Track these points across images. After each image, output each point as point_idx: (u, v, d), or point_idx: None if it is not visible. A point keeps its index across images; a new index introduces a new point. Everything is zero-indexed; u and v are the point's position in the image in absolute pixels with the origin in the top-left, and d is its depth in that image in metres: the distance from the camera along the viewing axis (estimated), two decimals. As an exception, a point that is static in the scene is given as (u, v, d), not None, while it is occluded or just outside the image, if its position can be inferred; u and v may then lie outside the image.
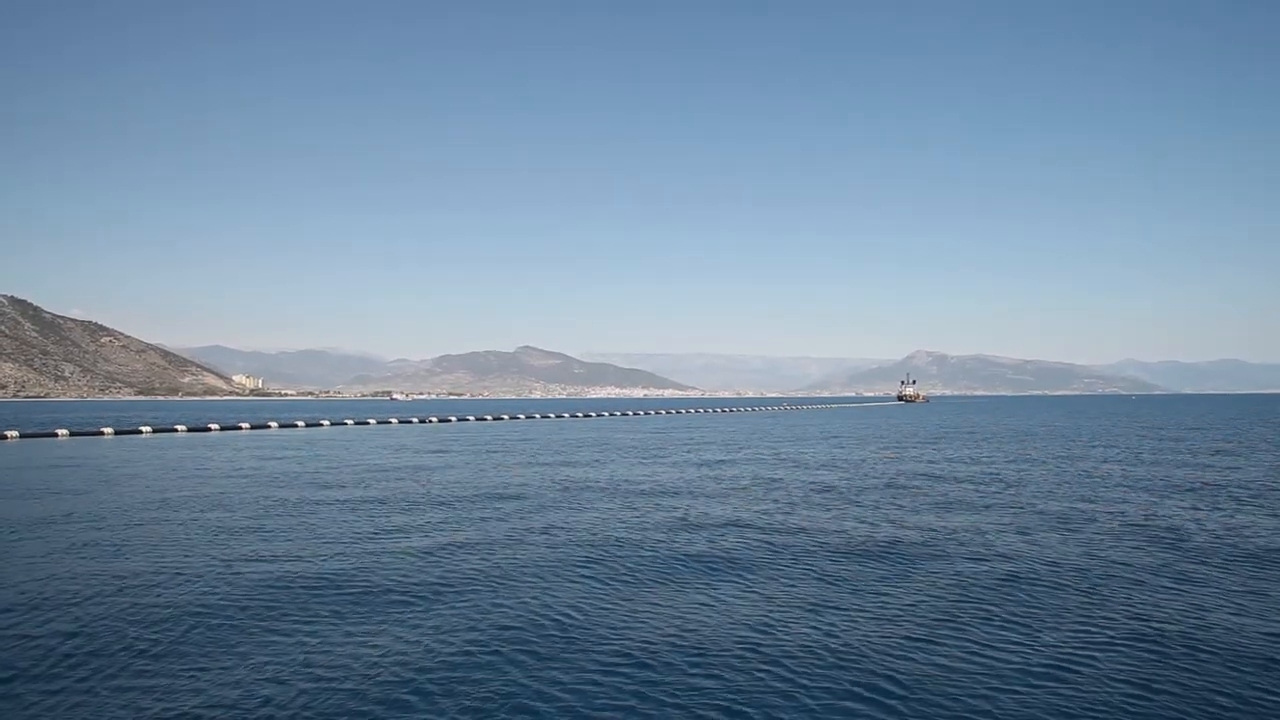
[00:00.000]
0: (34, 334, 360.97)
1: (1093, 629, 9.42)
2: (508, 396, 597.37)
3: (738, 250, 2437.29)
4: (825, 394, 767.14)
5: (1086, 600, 10.67)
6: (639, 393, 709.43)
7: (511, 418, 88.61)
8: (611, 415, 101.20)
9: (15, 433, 51.08)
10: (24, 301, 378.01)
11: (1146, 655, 8.54)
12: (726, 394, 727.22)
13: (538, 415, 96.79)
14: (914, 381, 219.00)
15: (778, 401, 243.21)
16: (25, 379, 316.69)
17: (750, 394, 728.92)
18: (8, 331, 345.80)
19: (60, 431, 53.80)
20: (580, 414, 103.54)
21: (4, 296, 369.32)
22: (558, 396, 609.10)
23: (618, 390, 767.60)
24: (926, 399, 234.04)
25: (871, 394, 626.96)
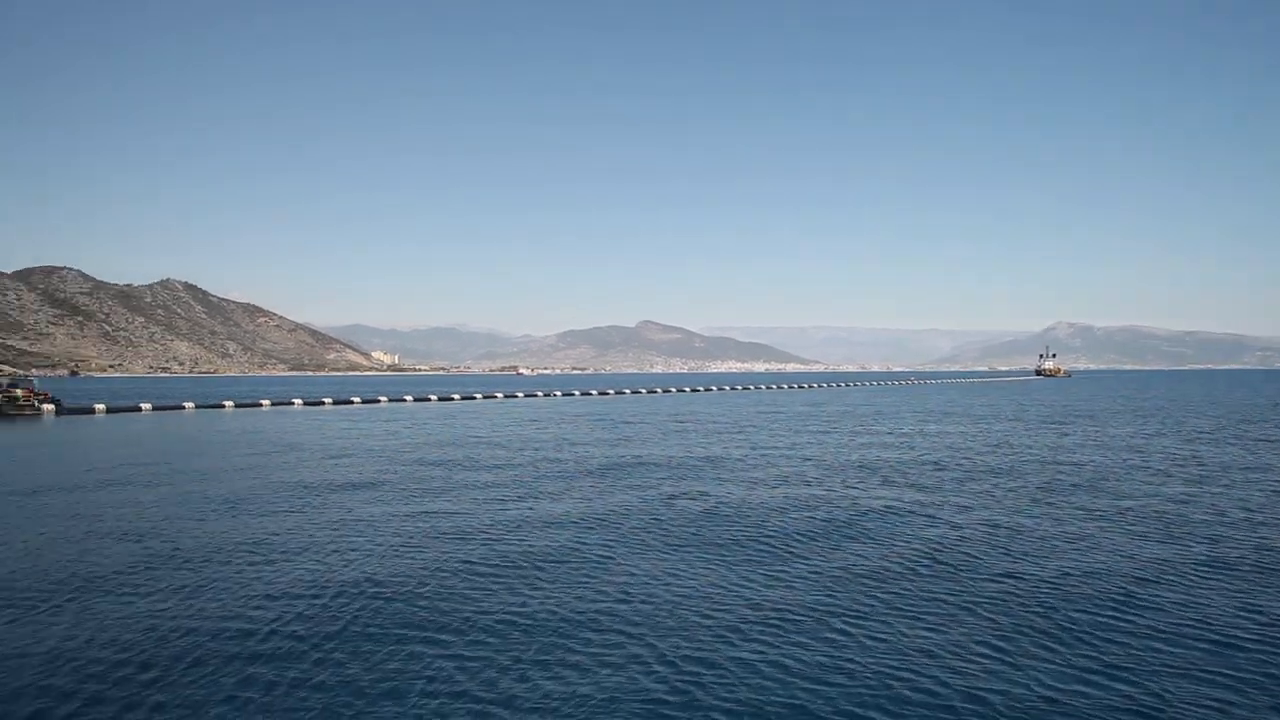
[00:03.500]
0: (204, 315, 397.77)
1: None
2: (629, 371, 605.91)
3: (861, 219, 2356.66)
4: (956, 368, 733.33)
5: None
6: (760, 367, 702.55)
7: (634, 392, 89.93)
8: (732, 389, 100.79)
9: (192, 404, 58.37)
10: (195, 286, 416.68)
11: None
12: (850, 368, 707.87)
13: (659, 390, 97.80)
14: (1054, 355, 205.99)
15: (904, 376, 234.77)
16: (198, 356, 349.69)
17: (875, 368, 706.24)
18: (183, 314, 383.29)
19: (227, 404, 59.71)
20: (702, 388, 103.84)
21: (179, 282, 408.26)
22: (678, 371, 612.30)
23: (738, 365, 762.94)
24: (1068, 374, 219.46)
25: (1006, 368, 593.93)
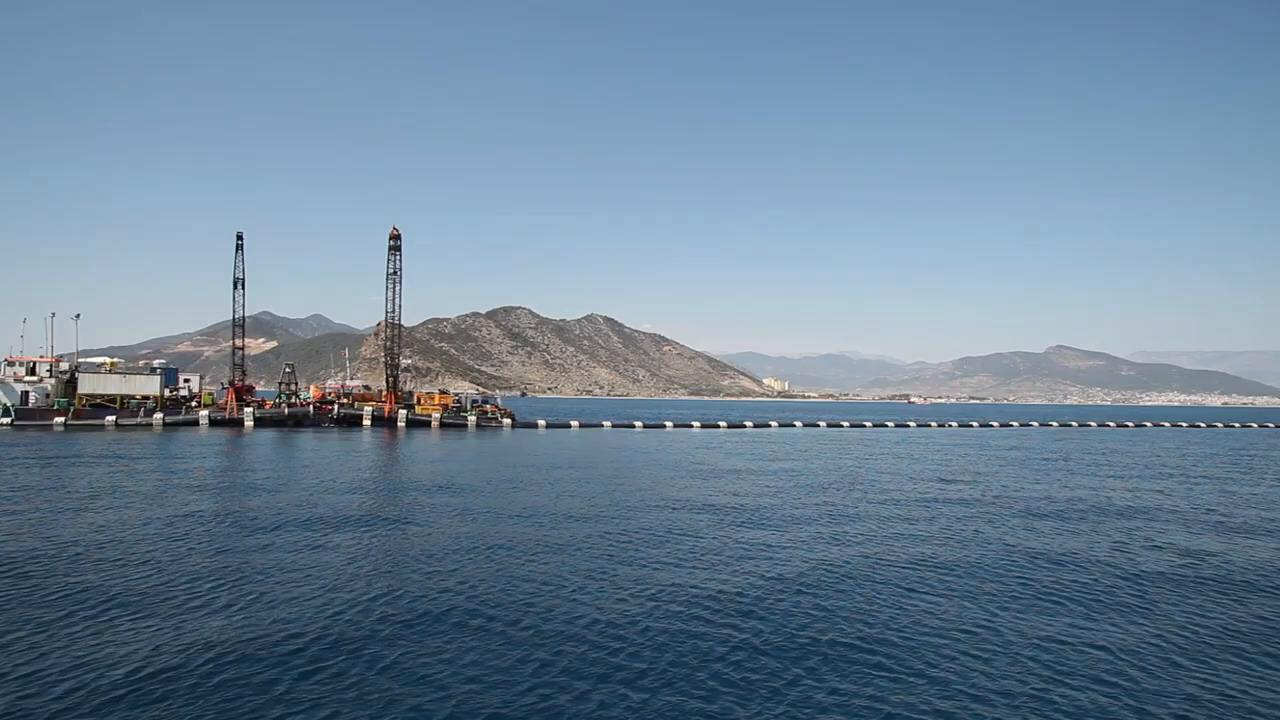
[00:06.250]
0: (619, 345, 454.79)
1: None
2: (1036, 402, 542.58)
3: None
4: None
5: None
6: (1215, 400, 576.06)
7: (1042, 425, 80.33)
8: (1172, 426, 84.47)
9: (609, 423, 67.80)
10: (613, 320, 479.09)
11: None
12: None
13: (1074, 423, 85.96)
14: None
15: None
16: (614, 381, 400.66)
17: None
18: (603, 344, 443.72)
19: (636, 424, 67.37)
20: (1131, 424, 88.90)
21: (601, 316, 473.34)
22: (1099, 403, 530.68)
23: (1182, 398, 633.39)
24: None
25: None
